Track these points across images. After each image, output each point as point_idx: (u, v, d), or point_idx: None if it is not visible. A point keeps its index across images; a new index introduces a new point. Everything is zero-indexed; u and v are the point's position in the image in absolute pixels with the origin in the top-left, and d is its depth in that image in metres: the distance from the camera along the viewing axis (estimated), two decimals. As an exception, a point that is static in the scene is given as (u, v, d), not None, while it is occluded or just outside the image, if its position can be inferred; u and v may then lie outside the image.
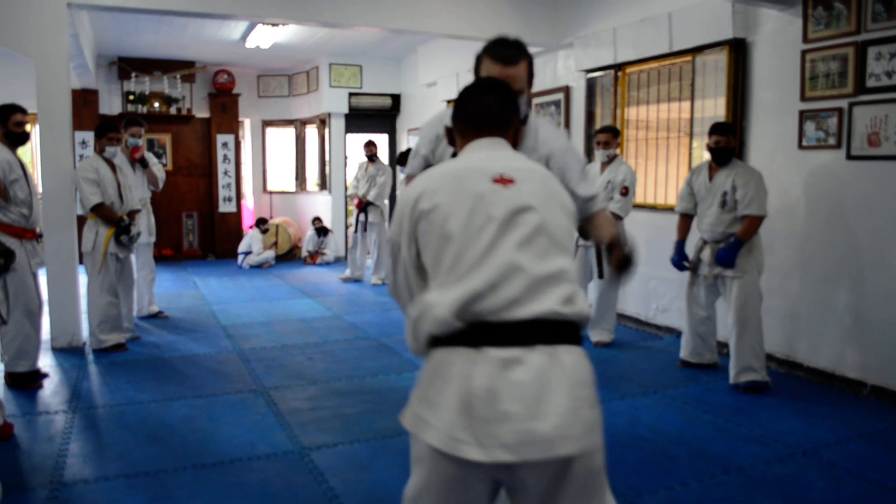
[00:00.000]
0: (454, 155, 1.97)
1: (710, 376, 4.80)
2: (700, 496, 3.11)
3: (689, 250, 4.94)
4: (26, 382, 4.52)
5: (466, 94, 1.90)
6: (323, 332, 6.13)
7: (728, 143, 4.60)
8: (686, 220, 4.95)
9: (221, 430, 3.86)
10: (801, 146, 4.81)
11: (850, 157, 4.53)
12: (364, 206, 8.72)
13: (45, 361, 5.01)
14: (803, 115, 4.78)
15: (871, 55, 4.37)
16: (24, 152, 4.67)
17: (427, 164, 2.56)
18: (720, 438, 3.76)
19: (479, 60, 2.38)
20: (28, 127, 4.56)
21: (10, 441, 3.66)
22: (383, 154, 11.25)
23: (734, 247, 4.54)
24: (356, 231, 8.91)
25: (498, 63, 2.28)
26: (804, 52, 4.75)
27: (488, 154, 1.79)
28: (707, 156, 4.83)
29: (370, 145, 8.83)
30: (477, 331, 1.56)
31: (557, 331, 1.59)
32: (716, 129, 4.65)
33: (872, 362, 4.45)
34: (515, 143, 1.92)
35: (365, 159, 8.89)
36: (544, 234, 1.64)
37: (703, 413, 4.14)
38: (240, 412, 4.15)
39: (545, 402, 1.52)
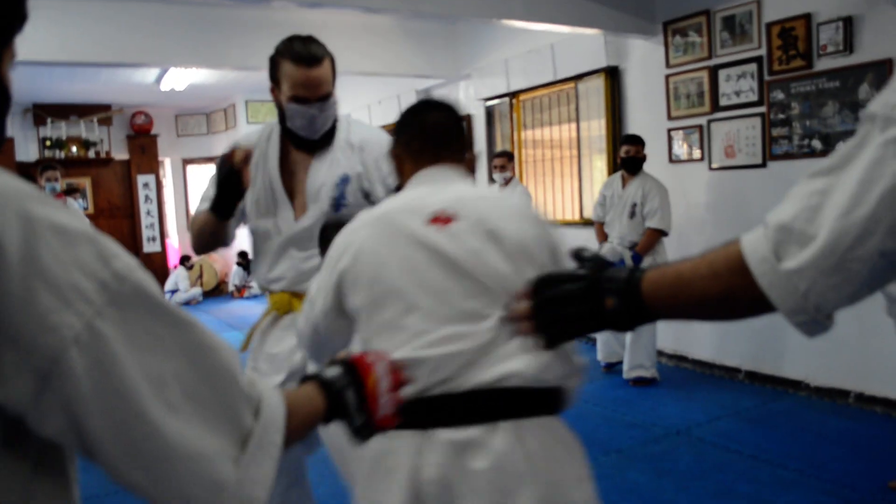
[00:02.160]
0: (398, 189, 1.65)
1: (608, 376, 5.26)
2: (581, 475, 3.53)
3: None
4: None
5: (415, 110, 1.62)
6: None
7: (637, 152, 5.01)
8: (601, 227, 5.32)
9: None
10: (671, 160, 5.37)
11: (711, 167, 5.09)
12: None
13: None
14: (671, 133, 5.34)
15: (722, 77, 4.95)
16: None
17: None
18: (605, 426, 4.21)
19: (274, 63, 2.17)
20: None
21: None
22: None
23: (635, 262, 4.90)
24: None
25: (301, 66, 2.09)
26: (667, 77, 5.32)
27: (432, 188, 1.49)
28: (602, 171, 5.29)
29: None
30: (422, 407, 1.25)
31: (525, 399, 1.29)
32: (626, 139, 5.10)
33: (746, 350, 4.98)
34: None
35: None
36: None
37: (594, 406, 4.59)
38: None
39: (512, 496, 1.23)
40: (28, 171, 6.01)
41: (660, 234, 4.92)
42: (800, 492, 3.24)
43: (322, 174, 2.22)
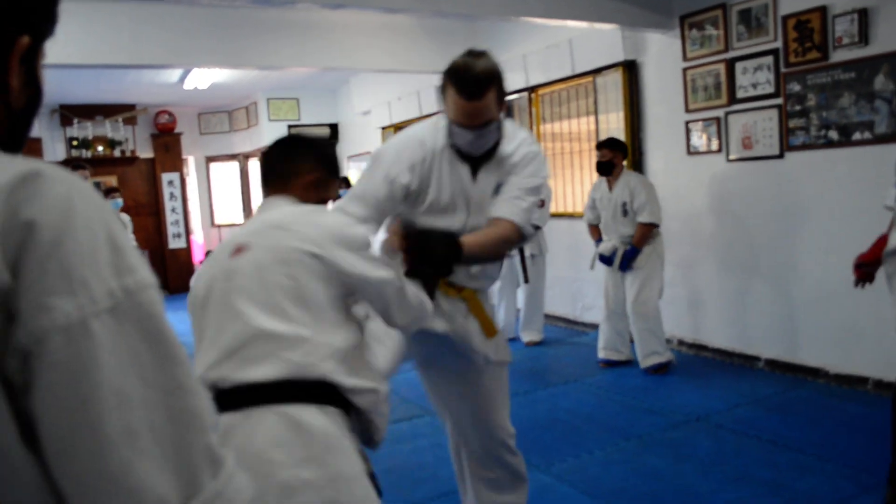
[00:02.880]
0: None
1: (626, 368, 5.33)
2: (602, 460, 3.63)
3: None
4: None
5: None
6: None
7: (604, 156, 5.16)
8: (595, 228, 5.48)
9: None
10: (688, 152, 5.43)
11: (729, 159, 5.15)
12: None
13: None
14: (688, 125, 5.40)
15: (739, 70, 5.00)
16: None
17: (402, 195, 2.33)
18: (625, 413, 4.31)
19: (443, 81, 2.26)
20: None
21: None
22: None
23: (630, 254, 5.08)
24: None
25: (462, 97, 2.19)
26: (685, 70, 5.38)
27: (255, 218, 1.81)
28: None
29: None
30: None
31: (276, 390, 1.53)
32: (599, 144, 5.28)
33: (765, 338, 5.05)
34: (326, 194, 1.89)
35: None
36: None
37: (614, 395, 4.68)
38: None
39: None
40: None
41: (651, 226, 5.05)
42: (818, 477, 3.31)
43: (486, 185, 2.35)
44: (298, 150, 1.88)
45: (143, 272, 0.73)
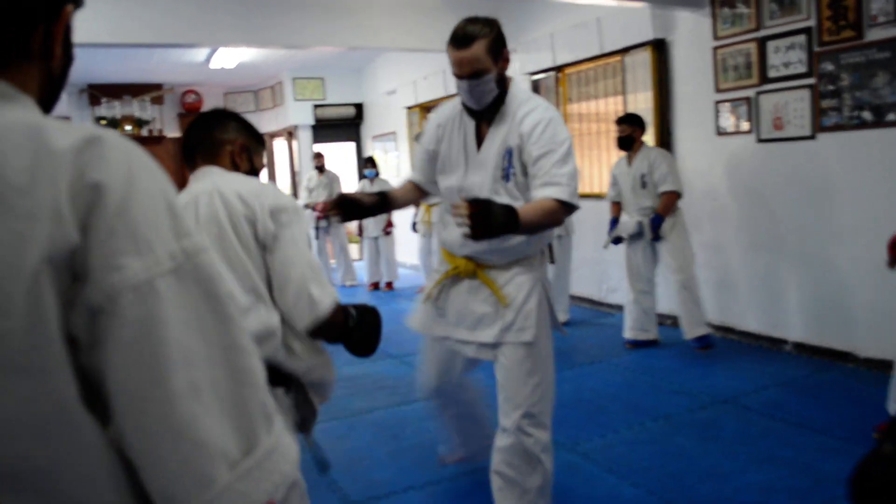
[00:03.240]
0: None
1: (653, 348, 5.33)
2: (629, 440, 3.65)
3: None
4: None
5: None
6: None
7: (623, 131, 5.17)
8: (616, 205, 5.45)
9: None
10: (718, 133, 5.38)
11: (759, 140, 5.09)
12: (326, 211, 9.10)
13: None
14: (718, 105, 5.35)
15: (771, 49, 4.93)
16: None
17: (431, 158, 2.59)
18: (652, 394, 4.31)
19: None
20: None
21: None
22: (351, 161, 11.76)
23: (657, 221, 5.06)
24: (317, 237, 9.35)
25: (452, 46, 2.31)
26: (715, 49, 5.31)
27: (188, 188, 1.88)
28: (649, 144, 5.39)
29: (319, 157, 9.26)
30: None
31: None
32: (618, 120, 5.27)
33: (794, 321, 5.02)
34: (253, 164, 2.03)
35: (314, 170, 9.33)
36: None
37: (640, 375, 4.69)
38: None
39: None
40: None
41: (675, 195, 5.05)
42: (844, 459, 3.29)
43: (491, 144, 2.44)
44: (222, 121, 2.00)
45: (198, 236, 0.77)
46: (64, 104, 9.80)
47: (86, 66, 9.64)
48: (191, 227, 0.76)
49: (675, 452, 3.46)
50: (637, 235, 5.20)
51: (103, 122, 10.83)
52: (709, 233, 5.50)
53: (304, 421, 1.92)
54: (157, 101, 11.26)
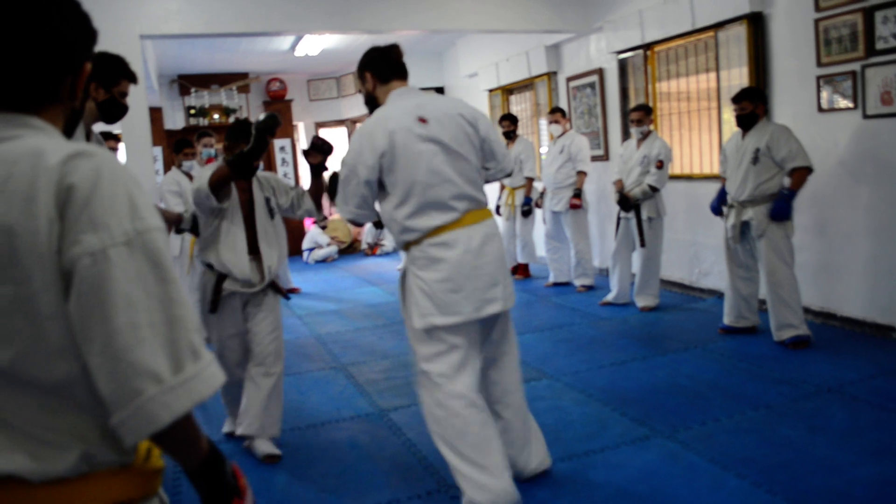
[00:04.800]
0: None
1: (749, 335, 5.13)
2: (730, 429, 3.54)
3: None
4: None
5: None
6: (389, 315, 6.68)
7: (744, 108, 4.81)
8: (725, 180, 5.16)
9: (310, 400, 4.45)
10: (820, 109, 5.13)
11: (865, 116, 4.83)
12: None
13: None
14: (820, 80, 5.09)
15: (878, 19, 4.66)
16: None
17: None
18: (753, 382, 4.17)
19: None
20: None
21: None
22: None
23: (786, 199, 4.68)
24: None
25: None
26: (817, 21, 5.05)
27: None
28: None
29: None
30: None
31: None
32: (736, 97, 4.89)
33: (901, 307, 4.76)
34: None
35: None
36: None
37: (739, 362, 4.54)
38: (324, 385, 4.73)
39: None
40: (184, 138, 6.39)
41: (807, 170, 4.66)
42: (967, 452, 3.12)
43: None
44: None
45: (151, 220, 1.05)
46: (156, 95, 10.12)
47: (176, 58, 9.93)
48: (146, 213, 1.05)
49: (781, 443, 3.33)
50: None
51: (193, 111, 11.15)
52: (809, 215, 5.26)
53: None
54: (244, 89, 11.53)
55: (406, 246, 2.94)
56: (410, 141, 2.80)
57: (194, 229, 3.90)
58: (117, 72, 2.50)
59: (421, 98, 2.97)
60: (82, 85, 1.18)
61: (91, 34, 1.18)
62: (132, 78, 2.62)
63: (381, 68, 3.00)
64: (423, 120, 2.84)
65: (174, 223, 5.77)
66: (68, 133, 1.29)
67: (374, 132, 2.82)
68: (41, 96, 1.11)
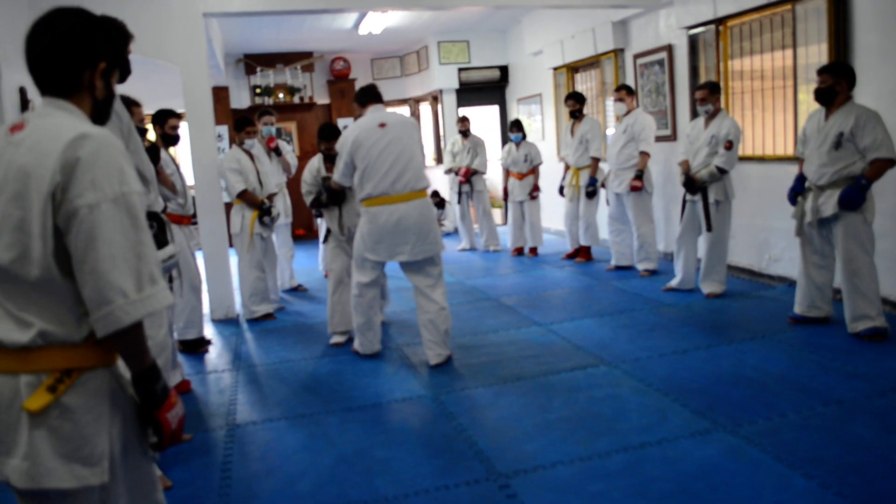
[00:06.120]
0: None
1: (821, 326, 4.87)
2: (797, 425, 3.35)
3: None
4: (195, 347, 5.26)
5: None
6: (447, 296, 6.59)
7: (824, 82, 4.49)
8: (803, 163, 4.84)
9: (363, 380, 4.42)
10: (906, 87, 4.80)
11: (957, 94, 4.50)
12: (469, 176, 9.07)
13: (208, 331, 5.75)
14: (908, 56, 4.77)
15: (976, -11, 4.32)
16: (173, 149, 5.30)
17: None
18: (823, 376, 3.95)
19: None
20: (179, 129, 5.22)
21: (190, 394, 4.35)
22: (495, 125, 11.63)
23: (861, 188, 4.37)
24: (459, 202, 9.29)
25: None
26: (906, -8, 4.72)
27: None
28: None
29: (464, 121, 9.14)
30: None
31: None
32: (819, 71, 4.58)
33: None
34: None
35: (458, 135, 9.24)
36: None
37: (809, 354, 4.31)
38: (377, 366, 4.70)
39: None
40: (246, 116, 6.42)
41: (891, 162, 4.32)
42: None
43: None
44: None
45: (133, 185, 1.51)
46: (223, 74, 10.24)
47: (242, 37, 10.02)
48: (131, 180, 1.51)
49: (853, 442, 3.13)
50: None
51: (258, 90, 11.25)
52: (892, 199, 4.94)
53: None
54: (308, 68, 11.57)
55: (362, 203, 4.59)
56: (372, 139, 4.47)
57: (331, 201, 5.28)
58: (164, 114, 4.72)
59: (384, 113, 4.66)
60: (98, 77, 1.63)
61: (106, 38, 1.64)
62: (177, 115, 4.47)
63: (363, 98, 4.73)
64: (382, 125, 4.52)
65: (257, 206, 5.85)
66: (102, 119, 1.69)
67: (352, 133, 4.56)
68: (68, 86, 1.60)
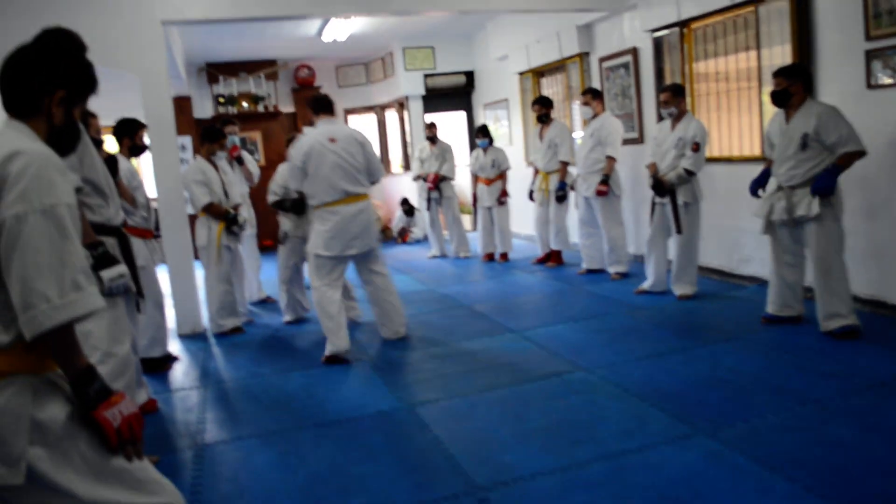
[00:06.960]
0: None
1: (794, 325, 4.87)
2: (777, 427, 3.32)
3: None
4: (160, 366, 5.10)
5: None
6: (418, 304, 6.53)
7: (779, 84, 4.52)
8: (770, 162, 4.85)
9: (335, 394, 4.32)
10: (869, 85, 4.84)
11: (920, 92, 4.54)
12: (438, 182, 8.98)
13: (174, 347, 5.60)
14: (870, 55, 4.80)
15: (935, -12, 4.37)
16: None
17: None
18: (799, 376, 3.94)
19: None
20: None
21: (156, 414, 4.21)
22: (462, 131, 11.58)
23: (831, 172, 4.38)
24: (429, 209, 9.21)
25: None
26: (866, -8, 4.76)
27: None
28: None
29: (431, 127, 9.08)
30: None
31: None
32: (774, 73, 4.62)
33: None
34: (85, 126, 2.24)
35: (426, 141, 9.17)
36: None
37: (783, 354, 4.31)
38: (349, 379, 4.60)
39: None
40: (217, 128, 6.25)
41: (860, 154, 4.35)
42: None
43: None
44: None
45: (63, 198, 1.60)
46: (185, 84, 10.06)
47: (204, 46, 9.86)
48: (60, 192, 1.59)
49: (833, 443, 3.12)
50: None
51: (221, 99, 11.08)
52: (858, 198, 4.97)
53: None
54: (272, 77, 11.43)
55: (314, 209, 5.10)
56: (322, 150, 4.93)
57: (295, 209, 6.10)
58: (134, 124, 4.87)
59: (335, 126, 5.12)
60: (56, 105, 1.75)
61: (66, 69, 1.77)
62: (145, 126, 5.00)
63: (317, 107, 5.13)
64: (332, 139, 4.96)
65: (221, 216, 5.72)
66: (64, 144, 1.81)
67: (303, 143, 5.02)
68: (26, 109, 1.74)
